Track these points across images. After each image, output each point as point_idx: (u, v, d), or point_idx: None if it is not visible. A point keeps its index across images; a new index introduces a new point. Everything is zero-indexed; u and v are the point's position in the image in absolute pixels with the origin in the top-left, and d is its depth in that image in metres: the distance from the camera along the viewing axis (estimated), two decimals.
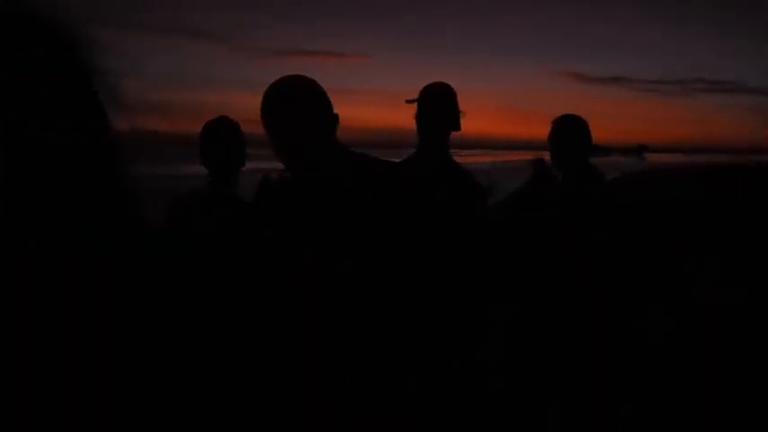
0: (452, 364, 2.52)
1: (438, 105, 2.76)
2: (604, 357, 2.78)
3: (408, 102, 2.80)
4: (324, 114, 1.90)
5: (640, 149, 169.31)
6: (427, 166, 2.72)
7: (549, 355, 2.86)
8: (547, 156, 3.13)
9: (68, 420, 1.04)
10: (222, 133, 2.65)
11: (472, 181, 2.85)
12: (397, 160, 2.75)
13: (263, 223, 2.01)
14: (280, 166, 1.98)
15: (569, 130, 3.03)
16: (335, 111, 1.92)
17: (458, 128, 2.79)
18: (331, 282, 1.83)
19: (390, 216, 1.89)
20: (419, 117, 2.78)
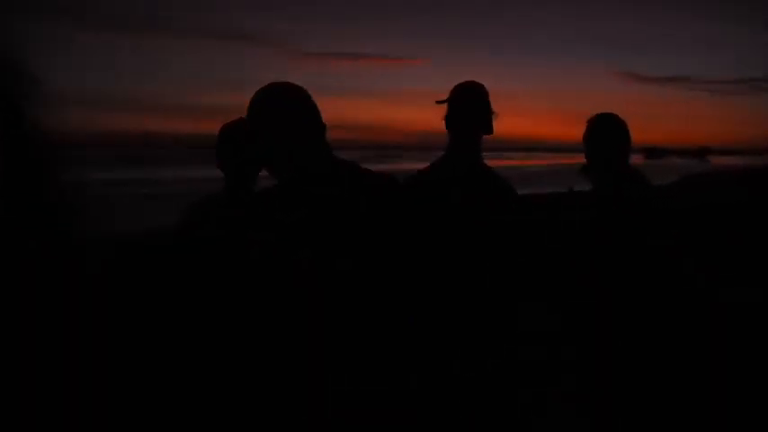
0: (452, 364, 2.52)
1: (469, 106, 2.64)
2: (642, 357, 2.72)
3: (438, 102, 2.69)
4: (312, 121, 1.92)
5: (702, 152, 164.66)
6: (457, 169, 2.64)
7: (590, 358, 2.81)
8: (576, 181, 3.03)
9: (69, 419, 1.04)
10: (238, 136, 2.55)
11: (503, 185, 2.73)
12: (426, 163, 2.75)
13: (263, 228, 2.00)
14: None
15: (605, 129, 2.88)
16: (325, 120, 1.95)
17: (490, 131, 2.68)
18: (327, 283, 1.84)
19: (380, 219, 1.89)
20: (449, 118, 2.67)
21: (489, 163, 2.74)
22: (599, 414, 2.86)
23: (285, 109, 1.88)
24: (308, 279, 1.85)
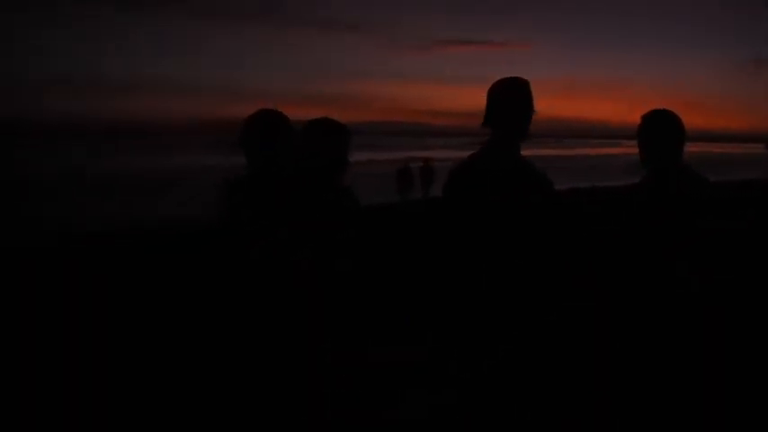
0: (448, 363, 2.58)
1: (510, 105, 2.71)
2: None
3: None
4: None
5: None
6: (498, 162, 2.70)
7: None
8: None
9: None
10: (270, 126, 2.66)
11: (543, 178, 2.78)
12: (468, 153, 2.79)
13: (279, 224, 2.06)
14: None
15: (658, 125, 2.87)
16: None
17: (525, 133, 2.75)
18: (328, 281, 1.91)
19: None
20: (489, 114, 2.73)
21: (605, 151, 2.71)
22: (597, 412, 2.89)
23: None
24: (307, 278, 1.88)
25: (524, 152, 2.78)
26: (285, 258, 2.04)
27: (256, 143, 2.64)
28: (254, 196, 2.59)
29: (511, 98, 2.71)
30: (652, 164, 2.87)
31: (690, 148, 2.94)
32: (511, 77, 2.75)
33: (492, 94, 2.74)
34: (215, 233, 2.67)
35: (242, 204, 2.58)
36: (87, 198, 22.77)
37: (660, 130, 2.86)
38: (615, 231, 2.95)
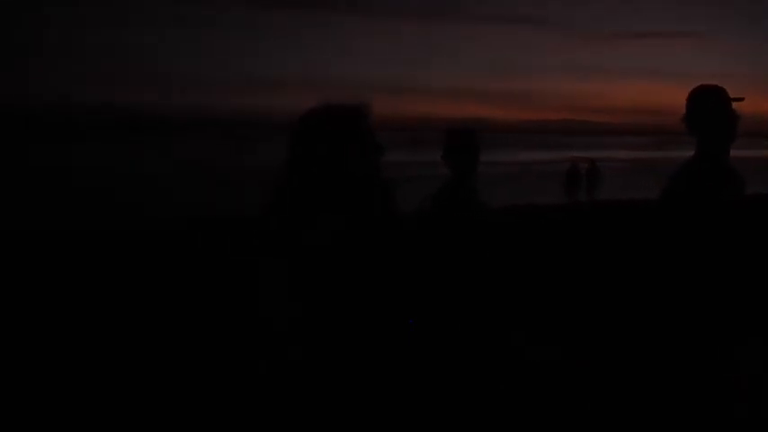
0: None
1: (711, 113, 2.79)
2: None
3: (734, 99, 2.80)
4: None
5: None
6: (705, 172, 2.76)
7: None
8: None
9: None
10: (466, 142, 3.15)
11: (741, 182, 2.86)
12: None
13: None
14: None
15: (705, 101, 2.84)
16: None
17: (733, 138, 2.81)
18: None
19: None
20: (691, 122, 2.82)
21: None
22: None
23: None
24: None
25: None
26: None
27: (461, 155, 3.14)
28: (457, 203, 3.09)
29: (715, 106, 2.80)
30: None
31: None
32: (708, 85, 2.86)
33: (694, 101, 2.84)
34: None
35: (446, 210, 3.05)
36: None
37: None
38: None
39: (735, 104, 2.80)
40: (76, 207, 17.71)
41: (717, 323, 2.69)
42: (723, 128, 2.78)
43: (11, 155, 41.99)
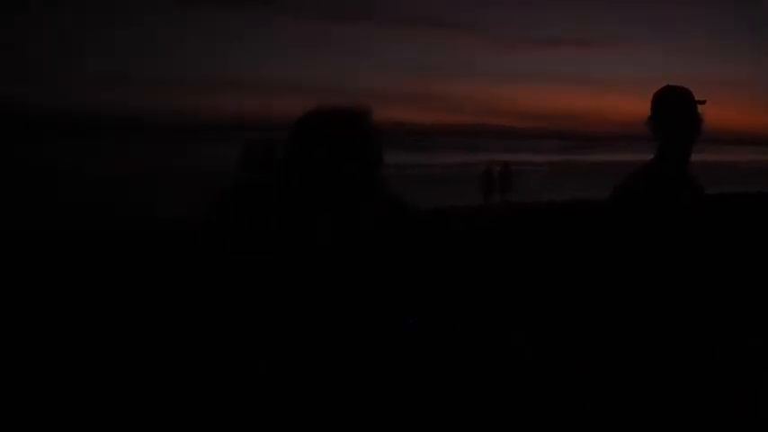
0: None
1: (677, 114, 2.69)
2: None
3: (698, 102, 2.69)
4: None
5: None
6: (667, 179, 2.68)
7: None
8: None
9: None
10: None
11: (703, 194, 2.80)
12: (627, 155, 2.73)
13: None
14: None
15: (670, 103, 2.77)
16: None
17: (696, 138, 2.71)
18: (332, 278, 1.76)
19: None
20: (655, 125, 2.71)
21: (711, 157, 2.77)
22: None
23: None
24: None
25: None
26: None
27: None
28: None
29: (681, 108, 2.69)
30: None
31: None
32: (672, 86, 2.75)
33: (660, 102, 2.73)
34: None
35: None
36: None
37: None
38: None
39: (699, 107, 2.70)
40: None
41: (664, 324, 2.61)
42: (687, 130, 2.69)
43: None
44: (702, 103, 2.69)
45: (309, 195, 1.68)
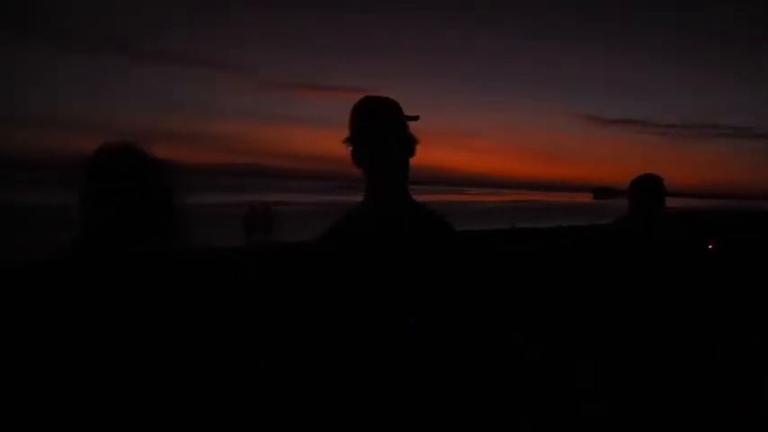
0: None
1: (383, 128, 2.01)
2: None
3: (409, 118, 2.05)
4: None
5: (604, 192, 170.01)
6: (380, 214, 2.00)
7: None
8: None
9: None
10: None
11: (441, 222, 2.08)
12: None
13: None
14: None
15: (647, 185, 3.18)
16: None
17: (410, 154, 2.03)
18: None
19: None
20: (357, 150, 2.03)
21: (448, 198, 2.41)
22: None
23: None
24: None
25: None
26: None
27: None
28: None
29: (385, 125, 2.00)
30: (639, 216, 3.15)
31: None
32: (372, 96, 2.08)
33: (359, 118, 2.04)
34: None
35: None
36: None
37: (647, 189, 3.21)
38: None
39: (410, 124, 2.02)
40: None
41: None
42: (397, 153, 1.98)
43: None
44: (415, 119, 2.03)
45: (133, 221, 1.76)
